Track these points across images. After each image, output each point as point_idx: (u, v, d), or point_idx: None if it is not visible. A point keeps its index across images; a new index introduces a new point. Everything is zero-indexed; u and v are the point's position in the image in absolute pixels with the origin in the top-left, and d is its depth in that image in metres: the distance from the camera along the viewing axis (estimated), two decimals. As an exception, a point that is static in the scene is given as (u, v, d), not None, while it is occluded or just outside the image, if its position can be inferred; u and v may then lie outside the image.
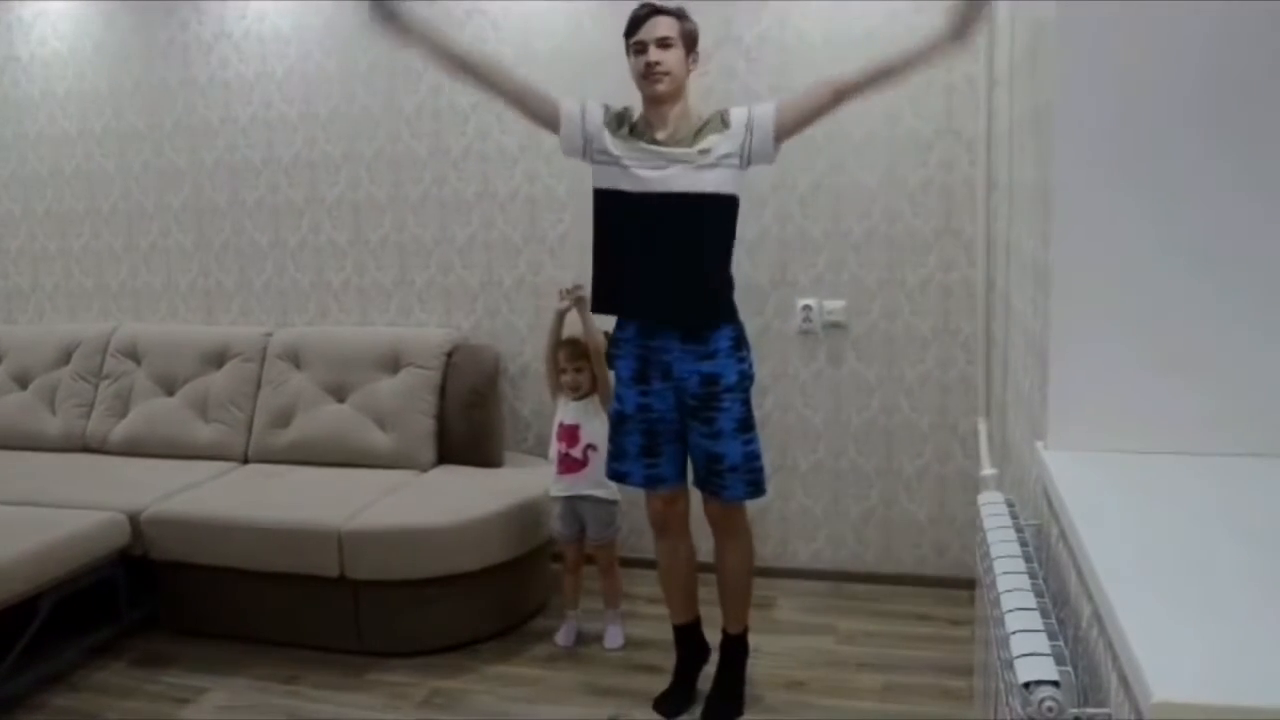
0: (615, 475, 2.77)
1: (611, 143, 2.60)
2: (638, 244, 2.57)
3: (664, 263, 2.56)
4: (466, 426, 3.65)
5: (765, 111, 2.59)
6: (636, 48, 2.57)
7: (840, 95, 2.56)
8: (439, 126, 3.85)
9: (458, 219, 3.89)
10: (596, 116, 2.64)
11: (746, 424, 2.65)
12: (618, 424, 2.72)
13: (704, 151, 2.54)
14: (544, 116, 2.67)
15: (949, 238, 3.41)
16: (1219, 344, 1.52)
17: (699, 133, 2.57)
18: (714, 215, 2.59)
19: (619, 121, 2.64)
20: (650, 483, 2.72)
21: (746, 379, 2.66)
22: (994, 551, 1.54)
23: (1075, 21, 1.53)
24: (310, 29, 3.94)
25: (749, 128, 2.57)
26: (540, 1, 3.66)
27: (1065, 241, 1.57)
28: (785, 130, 2.59)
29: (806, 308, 3.53)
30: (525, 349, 3.86)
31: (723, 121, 2.59)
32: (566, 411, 3.17)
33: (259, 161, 4.08)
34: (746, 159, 2.58)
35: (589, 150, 2.64)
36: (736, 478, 2.64)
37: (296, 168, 4.04)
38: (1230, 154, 1.48)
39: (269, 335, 3.97)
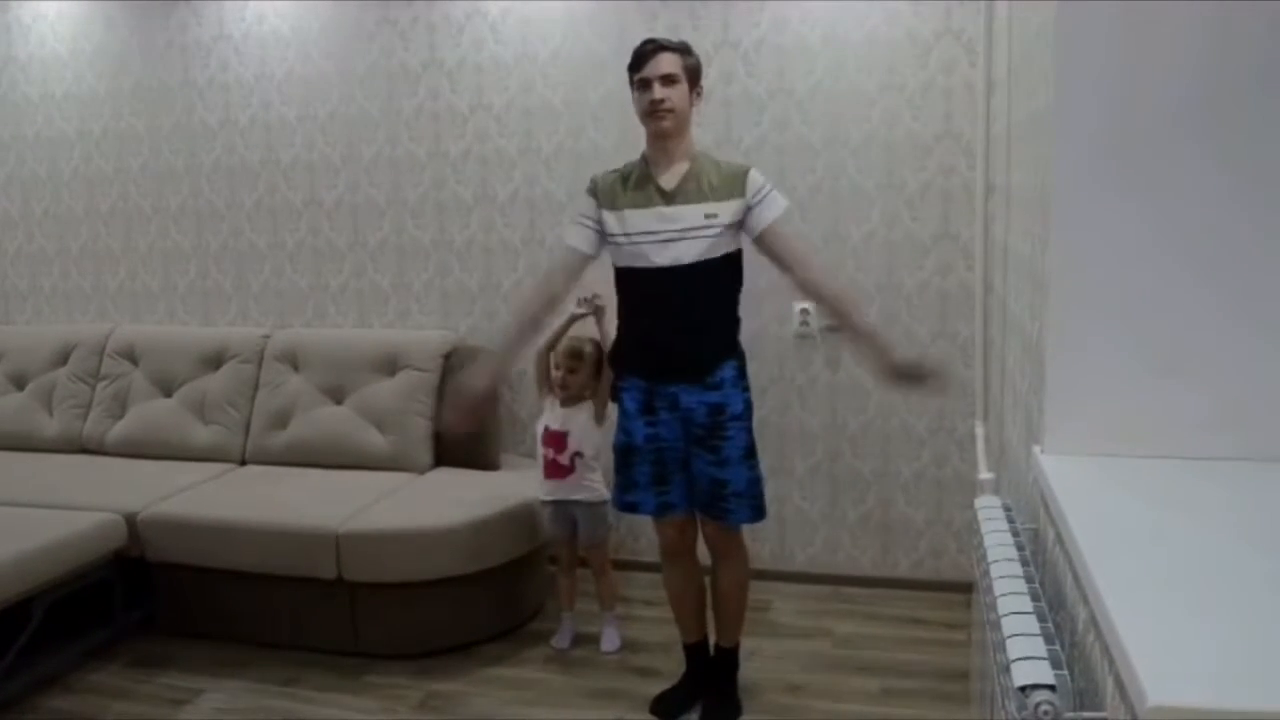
0: (626, 506, 2.78)
1: (616, 221, 2.62)
2: (657, 311, 2.63)
3: (682, 325, 2.61)
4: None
5: (766, 214, 2.60)
6: (640, 85, 2.58)
7: (805, 285, 2.65)
8: (438, 129, 3.85)
9: (456, 222, 3.89)
10: (591, 209, 2.67)
11: (751, 450, 2.68)
12: (626, 455, 2.73)
13: (711, 216, 2.56)
14: (581, 268, 2.71)
15: (947, 242, 3.41)
16: (1216, 348, 1.52)
17: (703, 185, 2.59)
18: (726, 273, 2.65)
19: (622, 184, 2.65)
20: (662, 510, 2.74)
21: (750, 407, 2.70)
22: (991, 555, 1.54)
23: (1074, 25, 1.53)
24: (309, 31, 3.94)
25: (749, 206, 2.60)
26: (539, 4, 3.67)
27: (1063, 245, 1.57)
28: (760, 243, 2.63)
29: (804, 311, 3.53)
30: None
31: (741, 183, 2.60)
32: (553, 416, 3.17)
33: (257, 163, 4.08)
34: (740, 223, 2.62)
35: (607, 238, 2.66)
36: (741, 503, 2.67)
37: (295, 170, 4.04)
38: (1228, 158, 1.48)
39: (267, 337, 3.97)
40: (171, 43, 4.12)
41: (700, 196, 2.57)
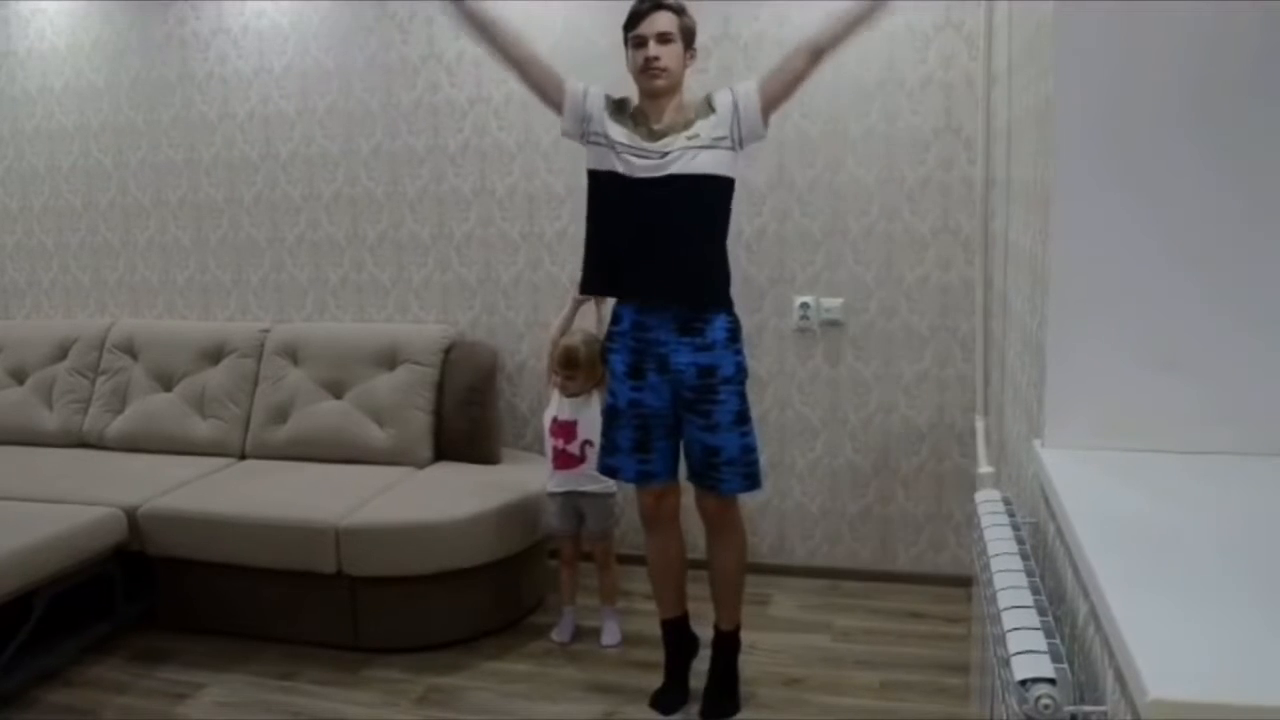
0: (607, 469, 2.77)
1: (610, 127, 2.62)
2: (633, 225, 2.59)
3: (659, 243, 2.57)
4: (464, 423, 3.65)
5: (748, 89, 2.62)
6: (635, 42, 2.58)
7: (817, 54, 2.58)
8: (437, 123, 3.85)
9: (455, 215, 3.89)
10: (598, 100, 2.66)
11: (743, 416, 2.65)
12: (610, 418, 2.73)
13: (693, 136, 2.56)
14: (549, 89, 2.68)
15: (947, 236, 3.41)
16: (1216, 343, 1.52)
17: (688, 115, 2.60)
18: (709, 196, 2.61)
19: (618, 109, 2.66)
20: (642, 478, 2.73)
21: (743, 371, 2.66)
22: (991, 549, 1.54)
23: (1073, 19, 1.53)
24: (308, 25, 3.94)
25: (735, 107, 2.60)
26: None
27: (1063, 240, 1.57)
28: (771, 102, 2.62)
29: (804, 305, 3.53)
30: (523, 346, 3.86)
31: (709, 105, 2.61)
32: (561, 407, 3.17)
33: (256, 157, 4.08)
34: (739, 140, 2.60)
35: (586, 131, 2.65)
36: (733, 471, 2.64)
37: (294, 164, 4.04)
38: (1228, 154, 1.48)
39: (266, 331, 3.97)
40: (170, 36, 4.11)
41: (686, 126, 2.58)
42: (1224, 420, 1.53)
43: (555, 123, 3.64)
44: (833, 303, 3.52)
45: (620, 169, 2.59)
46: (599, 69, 3.60)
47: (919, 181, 3.41)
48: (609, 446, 2.74)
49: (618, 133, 2.61)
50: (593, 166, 2.66)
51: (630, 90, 2.68)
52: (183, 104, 4.13)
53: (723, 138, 2.57)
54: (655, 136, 2.59)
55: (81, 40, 4.23)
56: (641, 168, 2.57)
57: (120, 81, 4.20)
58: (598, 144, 2.63)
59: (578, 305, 3.11)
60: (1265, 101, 1.46)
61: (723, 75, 3.48)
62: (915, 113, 3.38)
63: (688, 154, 2.55)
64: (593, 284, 2.78)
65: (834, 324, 3.54)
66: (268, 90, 4.02)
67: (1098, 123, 1.53)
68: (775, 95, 2.62)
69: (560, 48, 3.66)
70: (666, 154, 2.56)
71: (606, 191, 2.64)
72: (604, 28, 3.59)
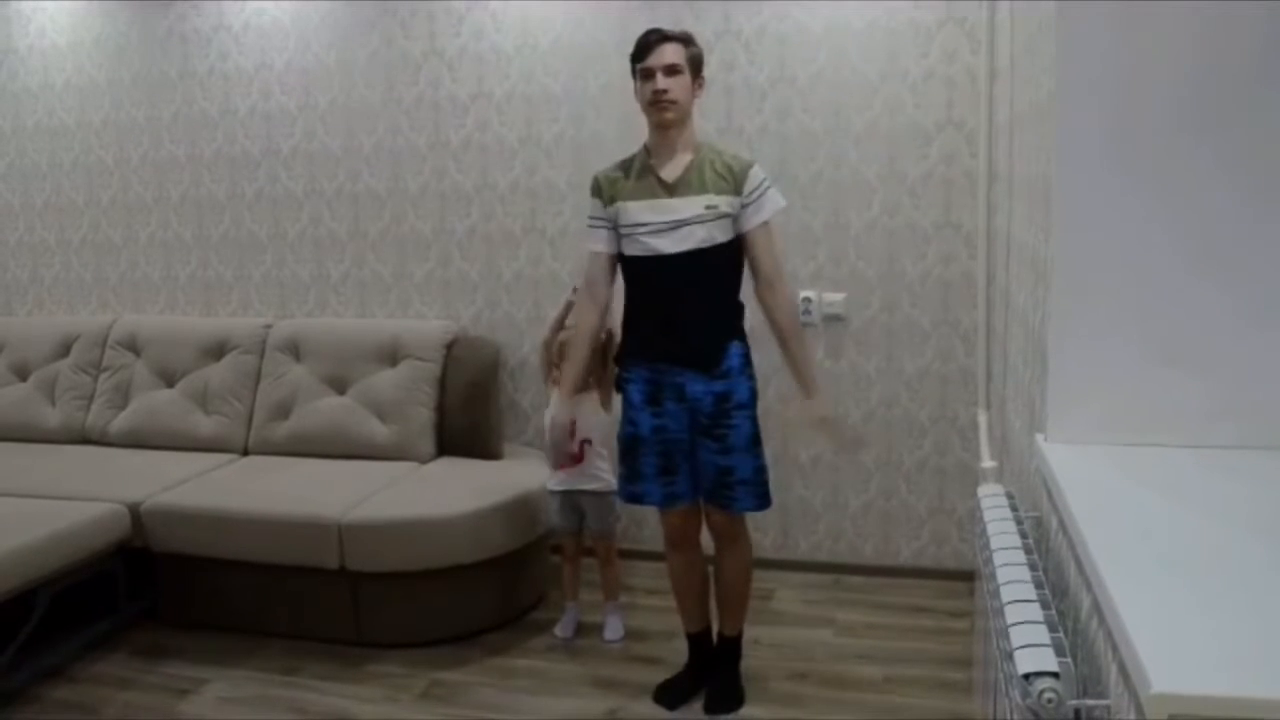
0: (632, 497, 2.78)
1: (626, 208, 2.64)
2: (660, 299, 2.65)
3: (685, 312, 2.62)
4: (466, 419, 3.66)
5: (760, 214, 2.62)
6: (643, 74, 2.59)
7: (761, 304, 2.67)
8: (438, 119, 3.84)
9: (457, 211, 3.88)
10: (599, 209, 2.70)
11: (756, 439, 2.69)
12: (632, 447, 2.73)
13: (711, 208, 2.58)
14: (613, 267, 2.73)
15: (949, 230, 3.40)
16: (1218, 337, 1.52)
17: (705, 176, 2.60)
18: (726, 260, 2.64)
19: (624, 175, 2.67)
20: (669, 501, 2.75)
21: (754, 395, 2.70)
22: (994, 543, 1.54)
23: (1076, 15, 1.53)
24: (309, 21, 3.93)
25: (745, 204, 2.61)
26: (540, -7, 3.66)
27: (1065, 235, 1.57)
28: (742, 241, 2.64)
29: (806, 300, 3.53)
30: (525, 342, 3.86)
31: (733, 175, 2.61)
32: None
33: (258, 153, 4.08)
34: (737, 214, 2.63)
35: (617, 228, 2.68)
36: (746, 490, 2.68)
37: (295, 160, 4.04)
38: (1229, 149, 1.48)
39: (268, 327, 3.97)
40: (171, 33, 4.11)
41: (701, 188, 2.58)
42: (1226, 414, 1.53)
43: (556, 118, 3.71)
44: (835, 297, 3.52)
45: (640, 253, 2.63)
46: (598, 65, 3.62)
47: (921, 176, 3.40)
48: (631, 475, 2.75)
49: (635, 210, 2.62)
50: (626, 253, 2.69)
51: (632, 105, 2.70)
52: (184, 100, 4.13)
53: (730, 214, 2.60)
54: (668, 190, 2.60)
55: (83, 37, 4.23)
56: (660, 244, 2.59)
57: (121, 78, 4.20)
58: (628, 235, 2.65)
59: (570, 306, 3.12)
60: (1267, 96, 1.46)
61: (724, 70, 3.48)
62: (918, 107, 3.37)
63: (702, 227, 2.57)
64: (631, 357, 2.76)
65: (836, 319, 3.54)
66: (269, 86, 4.01)
67: (1100, 118, 1.53)
68: (743, 245, 2.64)
69: (560, 44, 3.66)
70: (681, 223, 2.57)
71: (637, 274, 2.69)
72: (605, 23, 3.59)
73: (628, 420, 2.74)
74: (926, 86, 3.36)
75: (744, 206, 2.61)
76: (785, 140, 3.48)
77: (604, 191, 2.68)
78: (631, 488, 2.76)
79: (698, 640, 2.92)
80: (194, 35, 4.08)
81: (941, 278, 3.43)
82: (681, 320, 2.62)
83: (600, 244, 2.71)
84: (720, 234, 2.59)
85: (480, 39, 3.75)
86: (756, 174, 2.63)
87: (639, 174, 2.64)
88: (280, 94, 4.01)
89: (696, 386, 2.63)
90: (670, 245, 2.58)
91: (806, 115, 3.46)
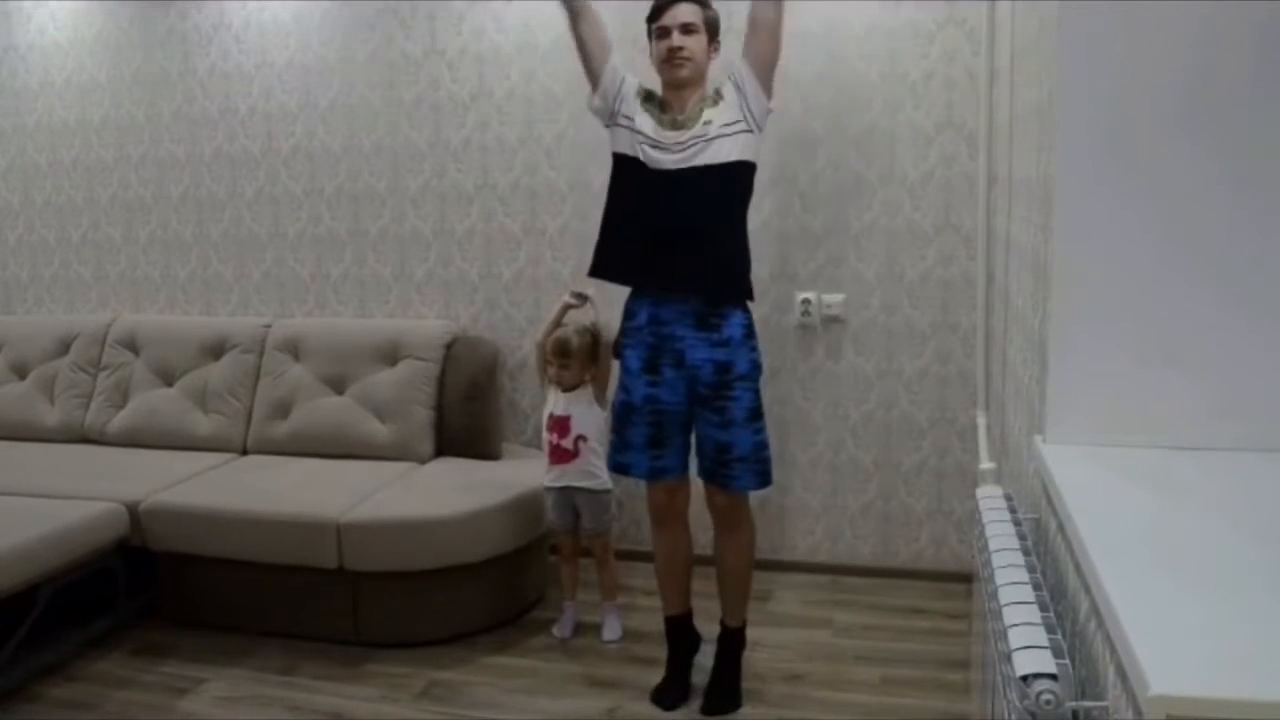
0: (617, 467, 2.77)
1: (638, 115, 2.65)
2: (654, 217, 2.61)
3: (680, 236, 2.59)
4: (465, 418, 3.66)
5: (738, 66, 2.65)
6: (659, 32, 2.61)
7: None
8: (439, 118, 3.84)
9: (457, 211, 3.88)
10: (633, 86, 2.70)
11: (757, 413, 2.66)
12: (623, 415, 2.72)
13: (707, 124, 2.58)
14: (595, 52, 2.69)
15: (949, 232, 3.40)
16: (1217, 339, 1.52)
17: (701, 110, 2.63)
18: (727, 185, 2.62)
19: (648, 98, 2.70)
20: (655, 474, 2.73)
21: (757, 368, 2.67)
22: (992, 545, 1.54)
23: (1076, 17, 1.53)
24: (310, 20, 3.93)
25: (738, 87, 2.62)
26: (540, -7, 3.66)
27: (1065, 236, 1.57)
28: (761, 64, 2.63)
29: (805, 301, 3.53)
30: (524, 341, 3.86)
31: (717, 95, 2.64)
32: (557, 402, 3.17)
33: (258, 152, 4.08)
34: (753, 119, 2.63)
35: (616, 112, 2.68)
36: (745, 468, 2.65)
37: (296, 159, 4.04)
38: (1229, 150, 1.48)
39: (268, 326, 3.97)
40: (172, 31, 4.11)
41: (699, 119, 2.61)
42: (1226, 416, 1.53)
43: (557, 118, 3.71)
44: (834, 298, 3.52)
45: (643, 158, 2.62)
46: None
47: (921, 177, 3.40)
48: (620, 444, 2.74)
49: (644, 122, 2.64)
50: (618, 150, 2.69)
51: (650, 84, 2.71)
52: (184, 99, 4.13)
53: (735, 122, 2.60)
54: (678, 126, 2.62)
55: (83, 35, 4.23)
56: (662, 161, 2.59)
57: (122, 76, 4.20)
58: (625, 128, 2.66)
59: (565, 309, 3.13)
60: (1266, 98, 1.46)
61: (726, 69, 3.46)
62: (917, 108, 3.37)
63: (704, 145, 2.57)
64: (608, 270, 2.73)
65: (835, 320, 3.54)
66: (269, 85, 4.01)
67: (1100, 119, 1.53)
68: (761, 55, 2.62)
69: (561, 44, 3.64)
70: (685, 146, 2.58)
71: (630, 178, 2.66)
72: (606, 22, 3.58)
73: (622, 387, 2.73)
74: (926, 88, 3.36)
75: (735, 79, 2.62)
76: (784, 141, 3.48)
77: (627, 84, 2.68)
78: (619, 457, 2.75)
79: (676, 625, 2.88)
80: (194, 33, 4.08)
81: (941, 279, 3.43)
82: (684, 241, 2.58)
83: (616, 59, 2.69)
84: (722, 153, 2.57)
85: (480, 39, 3.75)
86: (724, 79, 2.66)
87: (659, 104, 2.67)
88: (281, 93, 4.01)
89: (698, 353, 2.60)
90: (674, 163, 2.58)
91: (806, 116, 3.46)
